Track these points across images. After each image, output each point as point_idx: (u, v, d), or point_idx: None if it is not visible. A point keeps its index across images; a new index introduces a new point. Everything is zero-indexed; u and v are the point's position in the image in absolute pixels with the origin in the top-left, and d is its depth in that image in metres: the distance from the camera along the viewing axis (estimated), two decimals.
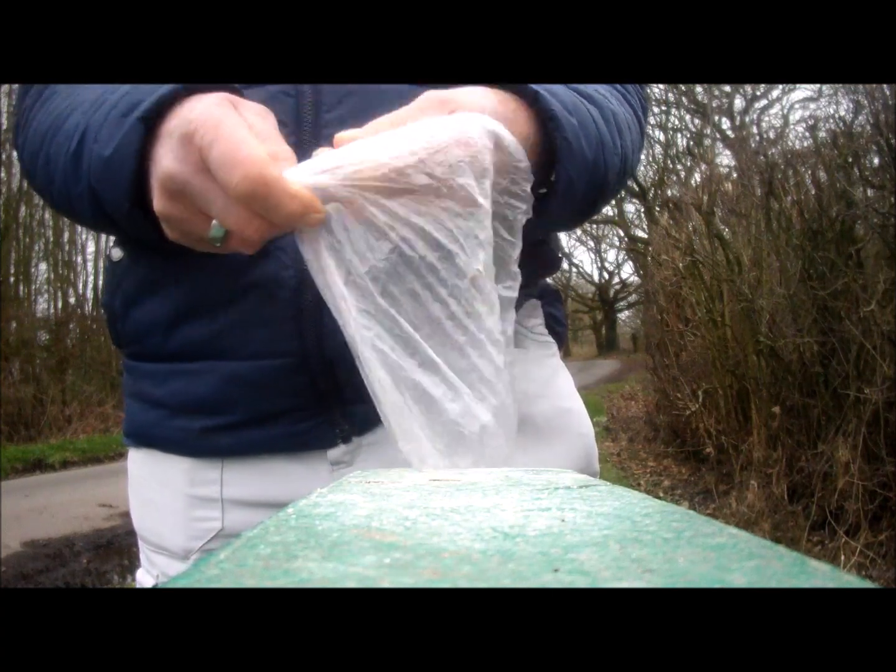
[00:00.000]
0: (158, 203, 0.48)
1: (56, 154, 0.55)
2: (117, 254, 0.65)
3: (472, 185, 0.45)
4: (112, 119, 0.50)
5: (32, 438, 7.76)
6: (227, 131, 0.44)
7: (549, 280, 0.76)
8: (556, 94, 0.52)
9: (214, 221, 0.46)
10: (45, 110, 0.59)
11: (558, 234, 0.76)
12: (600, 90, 0.60)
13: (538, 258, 0.67)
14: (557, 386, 0.71)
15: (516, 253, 0.50)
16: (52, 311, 10.05)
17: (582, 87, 0.57)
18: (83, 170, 0.52)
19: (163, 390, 0.63)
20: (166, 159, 0.47)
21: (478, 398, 0.47)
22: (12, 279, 9.42)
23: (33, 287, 9.90)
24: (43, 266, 10.11)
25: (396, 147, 0.44)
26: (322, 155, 0.45)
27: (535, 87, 0.51)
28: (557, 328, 0.74)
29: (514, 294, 0.50)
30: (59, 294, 10.15)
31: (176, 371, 0.63)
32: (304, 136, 0.57)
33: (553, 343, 0.73)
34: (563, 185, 0.53)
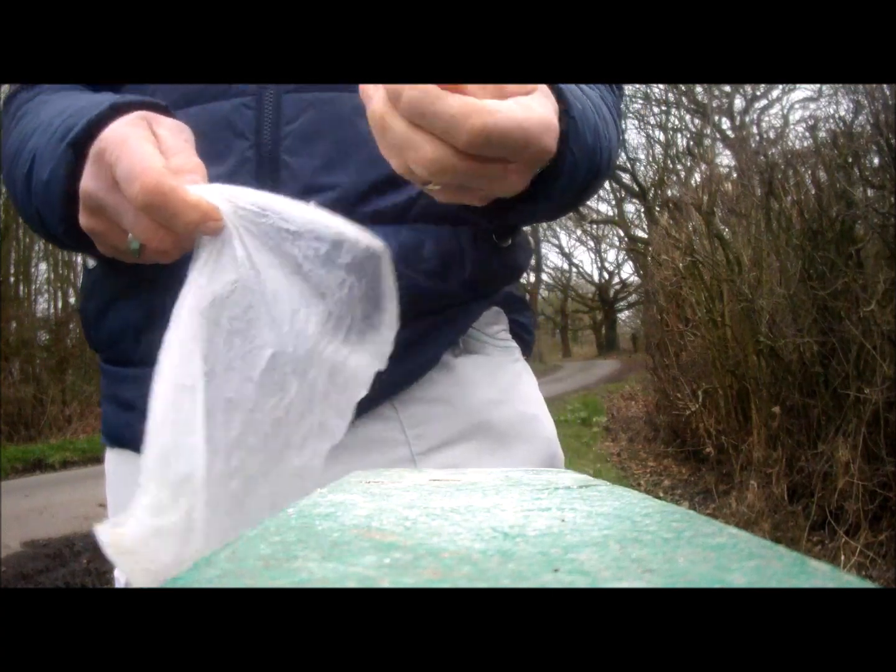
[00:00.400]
0: (82, 219, 0.52)
1: (17, 177, 0.58)
2: (91, 261, 0.67)
3: (327, 280, 0.45)
4: (52, 143, 0.54)
5: (32, 438, 7.77)
6: (129, 147, 0.47)
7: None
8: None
9: (130, 234, 0.49)
10: (17, 130, 0.61)
11: (529, 244, 0.75)
12: (585, 86, 0.60)
13: (499, 267, 0.67)
14: (521, 391, 0.71)
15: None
16: (52, 311, 10.07)
17: None
18: (32, 192, 0.56)
19: (135, 393, 0.65)
20: (85, 179, 0.50)
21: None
22: (12, 279, 9.43)
23: (33, 287, 9.92)
24: (43, 266, 10.13)
25: (306, 217, 0.45)
26: (237, 187, 0.46)
27: None
28: (524, 335, 0.75)
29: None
30: (59, 294, 10.16)
31: (147, 375, 0.64)
32: (264, 148, 0.59)
33: (517, 348, 0.73)
34: (570, 165, 0.53)
